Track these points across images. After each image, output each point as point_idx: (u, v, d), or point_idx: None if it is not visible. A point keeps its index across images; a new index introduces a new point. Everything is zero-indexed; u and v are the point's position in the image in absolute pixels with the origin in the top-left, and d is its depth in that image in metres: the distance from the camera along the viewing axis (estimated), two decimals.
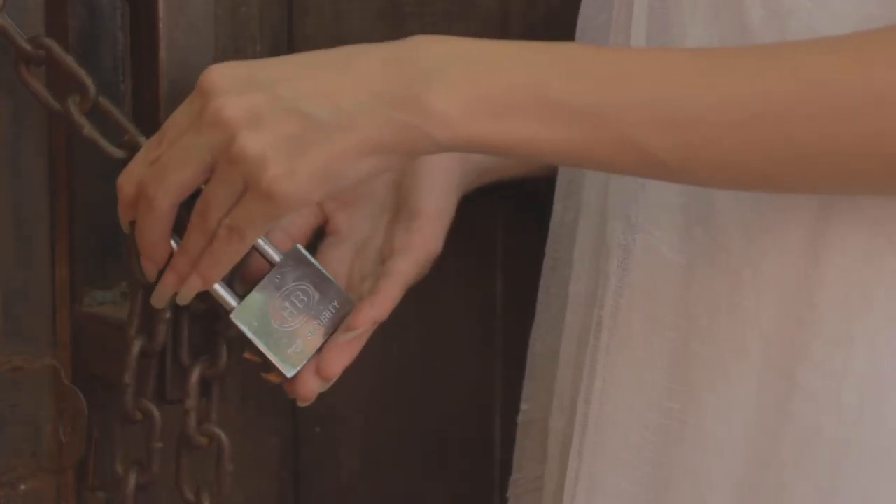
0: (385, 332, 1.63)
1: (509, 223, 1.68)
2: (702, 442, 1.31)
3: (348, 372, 1.61)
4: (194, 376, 1.26)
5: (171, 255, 1.22)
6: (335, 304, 1.27)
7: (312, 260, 1.27)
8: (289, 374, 1.25)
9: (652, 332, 1.33)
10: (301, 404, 1.30)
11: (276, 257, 1.26)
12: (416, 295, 1.65)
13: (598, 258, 1.39)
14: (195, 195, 1.23)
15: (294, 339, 1.25)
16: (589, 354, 1.37)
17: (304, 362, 1.26)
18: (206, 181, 1.17)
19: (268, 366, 1.25)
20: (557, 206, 1.50)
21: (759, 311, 1.29)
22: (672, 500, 1.32)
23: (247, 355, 1.27)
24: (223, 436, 1.28)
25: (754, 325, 1.29)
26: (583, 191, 1.43)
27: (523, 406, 1.54)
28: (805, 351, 1.27)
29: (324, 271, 1.27)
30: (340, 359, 1.29)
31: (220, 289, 1.24)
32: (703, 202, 1.31)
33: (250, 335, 1.24)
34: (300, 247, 1.27)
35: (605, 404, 1.34)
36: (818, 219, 1.27)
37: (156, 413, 1.26)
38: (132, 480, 1.28)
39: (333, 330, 1.27)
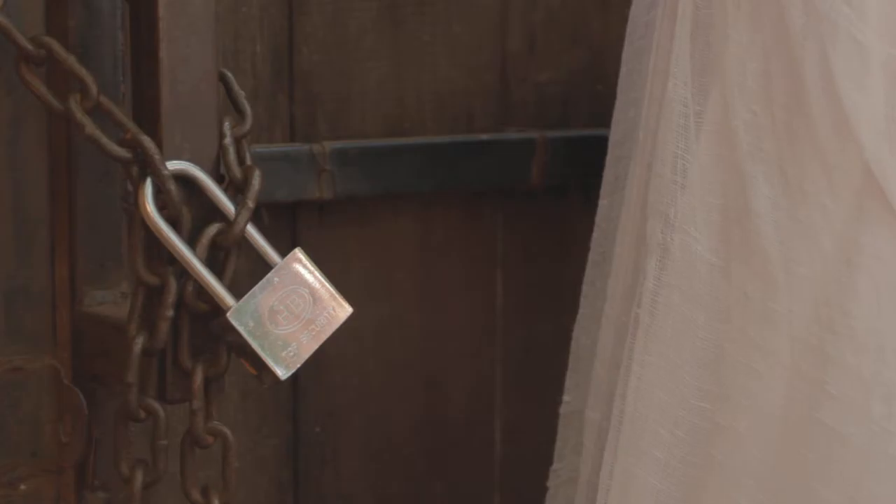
0: (385, 333, 1.63)
1: (509, 223, 1.68)
2: (732, 443, 1.31)
3: (349, 373, 1.62)
4: (198, 377, 1.26)
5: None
6: (331, 310, 1.27)
7: (311, 265, 1.27)
8: (283, 376, 1.25)
9: (686, 332, 1.33)
10: None
11: (276, 259, 1.26)
12: (417, 295, 1.65)
13: (637, 255, 1.39)
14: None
15: (289, 342, 1.25)
16: (626, 351, 1.37)
17: (298, 366, 1.26)
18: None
19: (261, 369, 1.25)
20: (604, 202, 1.51)
21: (792, 316, 1.29)
22: (699, 497, 1.33)
23: (242, 361, 1.27)
24: (229, 433, 1.28)
25: (786, 330, 1.29)
26: (626, 188, 1.44)
27: (566, 397, 1.55)
28: (835, 358, 1.27)
29: (322, 277, 1.27)
30: None
31: (218, 288, 1.24)
32: (740, 204, 1.31)
33: (245, 335, 1.24)
34: (300, 251, 1.27)
35: (639, 402, 1.35)
36: (852, 226, 1.28)
37: (160, 411, 1.26)
38: (139, 479, 1.28)
39: (328, 335, 1.27)
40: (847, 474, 1.27)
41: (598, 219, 1.51)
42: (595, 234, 1.52)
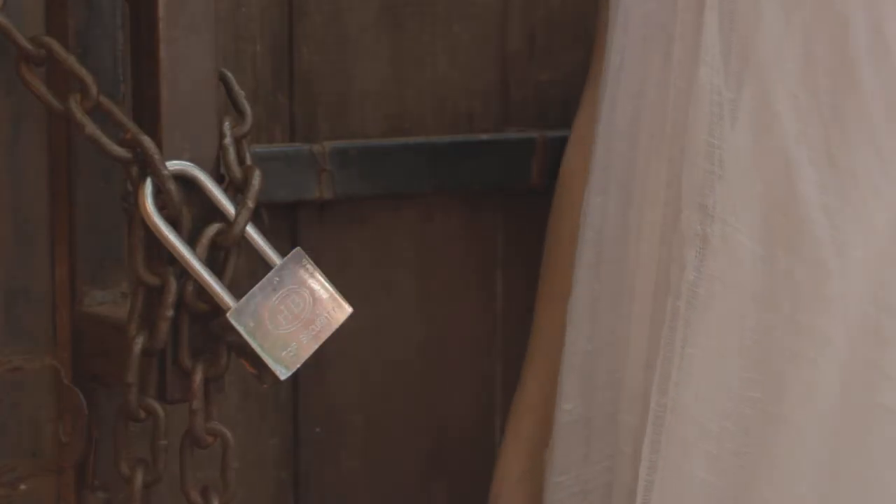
0: (386, 333, 1.63)
1: (509, 223, 1.68)
2: (785, 431, 1.29)
3: (349, 373, 1.62)
4: (198, 377, 1.26)
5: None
6: (331, 310, 1.27)
7: (311, 265, 1.27)
8: (282, 376, 1.25)
9: (731, 323, 1.32)
10: None
11: (276, 260, 1.26)
12: (417, 294, 1.65)
13: (667, 249, 1.37)
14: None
15: (289, 342, 1.25)
16: (662, 345, 1.35)
17: (298, 366, 1.26)
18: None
19: (261, 369, 1.25)
20: (596, 200, 1.47)
21: (846, 300, 1.28)
22: (755, 489, 1.31)
23: (242, 361, 1.27)
24: (228, 434, 1.28)
25: (840, 315, 1.28)
26: (641, 183, 1.41)
27: (566, 406, 1.49)
28: (894, 340, 1.26)
29: (322, 277, 1.27)
30: None
31: (218, 288, 1.24)
32: (784, 190, 1.29)
33: (245, 335, 1.24)
34: (301, 251, 1.27)
35: (682, 395, 1.33)
36: None
37: (160, 411, 1.26)
38: (139, 479, 1.28)
39: (328, 335, 1.27)
40: None
41: (591, 219, 1.47)
42: (584, 235, 1.48)
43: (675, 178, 1.36)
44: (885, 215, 1.27)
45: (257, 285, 1.25)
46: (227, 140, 1.27)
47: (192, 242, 1.24)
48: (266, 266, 1.26)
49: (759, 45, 1.30)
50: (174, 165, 1.24)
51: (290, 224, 1.56)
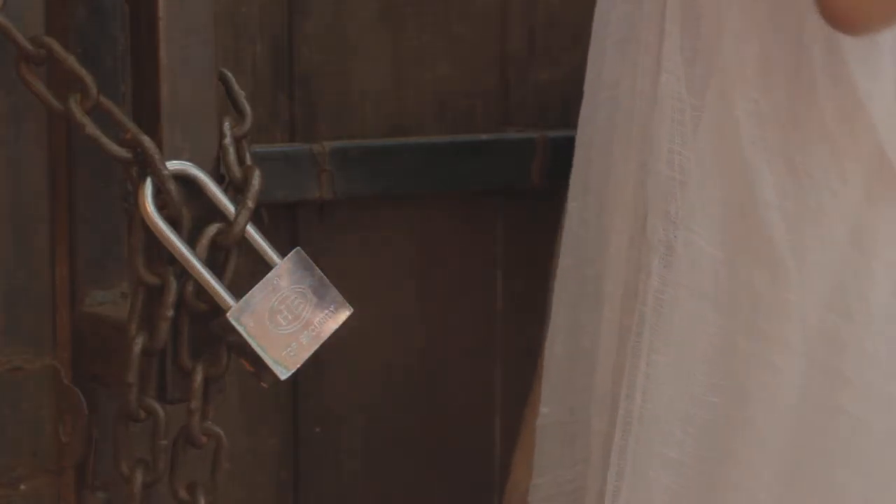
0: (386, 333, 1.63)
1: (509, 223, 1.68)
2: (746, 435, 1.30)
3: (349, 373, 1.62)
4: (198, 377, 1.26)
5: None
6: (331, 309, 1.27)
7: (311, 265, 1.27)
8: (283, 376, 1.25)
9: (694, 328, 1.32)
10: None
11: (276, 259, 1.26)
12: (417, 295, 1.65)
13: (635, 255, 1.38)
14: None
15: (289, 342, 1.25)
16: (630, 351, 1.36)
17: (298, 366, 1.26)
18: None
19: (261, 369, 1.25)
20: (573, 205, 1.47)
21: (804, 304, 1.28)
22: (717, 494, 1.32)
23: (242, 361, 1.27)
24: (223, 435, 1.28)
25: (799, 319, 1.28)
26: (613, 188, 1.41)
27: (543, 409, 1.50)
28: (852, 344, 1.27)
29: (321, 277, 1.27)
30: None
31: (218, 288, 1.24)
32: (744, 195, 1.30)
33: (246, 336, 1.24)
34: (301, 251, 1.27)
35: (648, 402, 1.34)
36: (864, 210, 1.27)
37: (160, 412, 1.26)
38: (139, 479, 1.28)
39: (328, 335, 1.27)
40: (869, 460, 1.27)
41: (570, 222, 1.47)
42: (566, 239, 1.48)
43: (643, 185, 1.37)
44: (840, 218, 1.27)
45: (257, 285, 1.25)
46: (227, 140, 1.28)
47: (192, 242, 1.24)
48: (266, 266, 1.26)
49: (721, 50, 1.30)
50: (174, 165, 1.24)
51: (290, 224, 1.56)
